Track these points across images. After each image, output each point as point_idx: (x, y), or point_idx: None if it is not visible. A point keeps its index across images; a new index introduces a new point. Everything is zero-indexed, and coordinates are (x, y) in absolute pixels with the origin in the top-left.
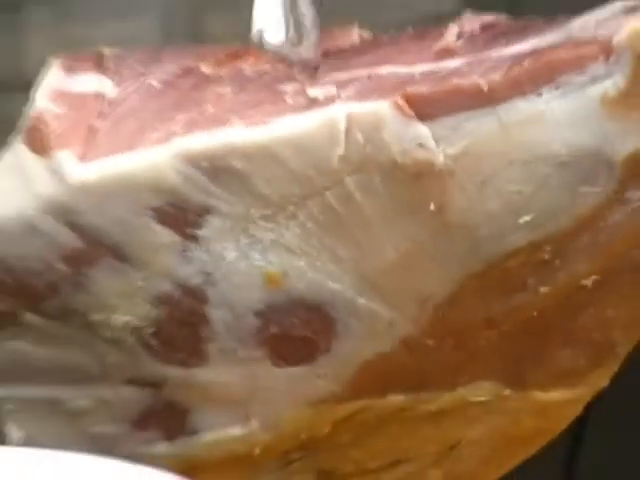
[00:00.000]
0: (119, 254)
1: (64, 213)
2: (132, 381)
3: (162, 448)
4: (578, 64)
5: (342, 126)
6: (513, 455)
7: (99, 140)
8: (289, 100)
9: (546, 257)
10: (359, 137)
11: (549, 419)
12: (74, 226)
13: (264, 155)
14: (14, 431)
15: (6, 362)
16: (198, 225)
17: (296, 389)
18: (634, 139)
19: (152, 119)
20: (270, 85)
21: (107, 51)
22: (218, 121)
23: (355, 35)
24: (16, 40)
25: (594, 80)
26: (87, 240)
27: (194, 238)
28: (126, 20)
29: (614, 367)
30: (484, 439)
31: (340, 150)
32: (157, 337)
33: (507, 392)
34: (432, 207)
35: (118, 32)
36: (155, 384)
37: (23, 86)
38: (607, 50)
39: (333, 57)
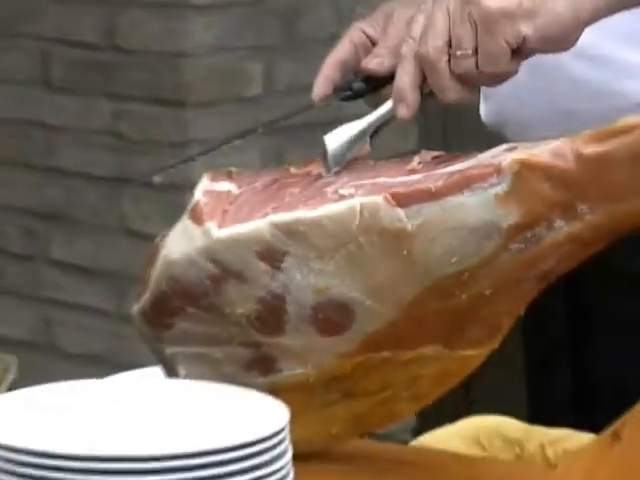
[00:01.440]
0: (239, 276)
1: (209, 254)
2: (243, 344)
3: (260, 380)
4: (482, 177)
5: (358, 209)
6: (448, 383)
7: (228, 217)
8: (329, 195)
9: (465, 279)
10: (367, 215)
11: (466, 364)
12: (215, 261)
13: (315, 224)
14: (181, 371)
15: (178, 334)
16: (280, 261)
17: (331, 348)
18: (512, 217)
19: (257, 206)
20: (319, 188)
21: (233, 170)
22: (291, 207)
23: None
24: (188, 163)
25: (491, 186)
26: (221, 269)
27: (279, 268)
28: (242, 155)
29: (500, 337)
30: (433, 375)
31: (356, 222)
32: (258, 320)
33: (444, 350)
34: (405, 252)
35: (238, 161)
36: (257, 345)
37: (189, 188)
38: (498, 170)
39: (354, 172)
